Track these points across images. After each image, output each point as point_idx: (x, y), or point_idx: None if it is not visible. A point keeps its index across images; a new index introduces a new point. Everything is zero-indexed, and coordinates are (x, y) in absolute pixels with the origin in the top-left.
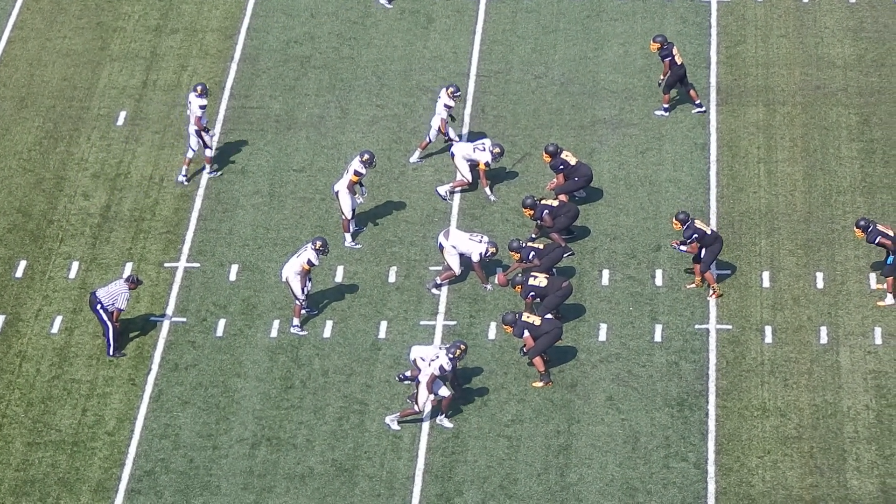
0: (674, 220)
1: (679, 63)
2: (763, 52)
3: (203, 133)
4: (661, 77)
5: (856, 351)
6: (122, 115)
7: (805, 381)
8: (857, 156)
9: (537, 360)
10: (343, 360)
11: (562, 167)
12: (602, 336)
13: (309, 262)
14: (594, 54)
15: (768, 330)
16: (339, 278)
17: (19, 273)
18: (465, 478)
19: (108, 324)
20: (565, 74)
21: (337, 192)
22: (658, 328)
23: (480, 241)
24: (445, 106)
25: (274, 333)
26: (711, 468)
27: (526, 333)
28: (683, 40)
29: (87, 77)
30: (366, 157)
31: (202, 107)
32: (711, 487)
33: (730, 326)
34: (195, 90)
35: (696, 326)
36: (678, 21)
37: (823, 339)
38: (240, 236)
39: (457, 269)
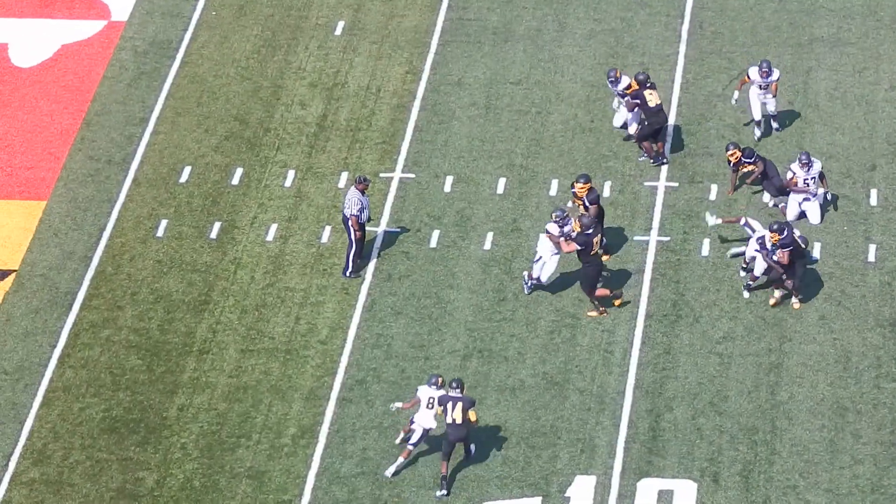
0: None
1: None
2: None
3: None
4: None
5: None
6: (340, 24)
7: None
8: None
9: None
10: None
11: (637, 100)
12: (815, 254)
13: (548, 232)
14: None
15: None
16: None
17: (235, 180)
18: (675, 394)
19: (352, 241)
20: None
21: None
22: (872, 248)
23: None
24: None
25: (487, 246)
26: None
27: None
28: None
29: None
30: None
31: None
32: None
33: None
34: None
35: None
36: None
37: None
38: (455, 148)
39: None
